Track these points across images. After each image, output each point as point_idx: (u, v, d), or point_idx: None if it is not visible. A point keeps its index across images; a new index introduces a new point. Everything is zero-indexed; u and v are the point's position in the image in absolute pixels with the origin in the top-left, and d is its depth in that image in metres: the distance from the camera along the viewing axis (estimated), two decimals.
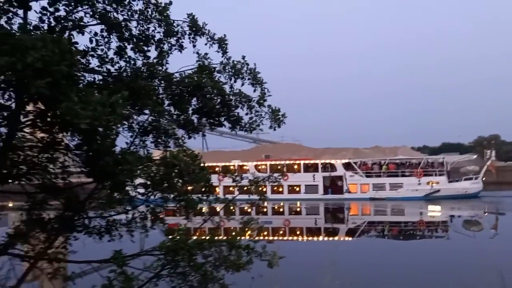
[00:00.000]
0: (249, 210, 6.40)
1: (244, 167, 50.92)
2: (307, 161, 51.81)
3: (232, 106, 6.00)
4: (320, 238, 25.90)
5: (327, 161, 52.16)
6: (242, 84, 5.94)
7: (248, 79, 5.95)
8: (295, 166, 48.57)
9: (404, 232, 27.02)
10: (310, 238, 25.95)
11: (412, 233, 26.55)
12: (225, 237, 5.38)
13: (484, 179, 45.31)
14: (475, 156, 53.31)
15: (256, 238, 5.38)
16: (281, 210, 39.94)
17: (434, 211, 37.50)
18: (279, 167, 49.39)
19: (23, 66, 3.09)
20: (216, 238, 5.21)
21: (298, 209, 42.57)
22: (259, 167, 50.35)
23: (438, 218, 34.67)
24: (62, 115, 3.31)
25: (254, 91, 5.96)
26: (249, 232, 5.53)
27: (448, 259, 17.83)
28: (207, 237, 5.17)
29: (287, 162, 51.05)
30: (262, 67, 6.06)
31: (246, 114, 6.04)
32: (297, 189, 48.34)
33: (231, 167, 45.22)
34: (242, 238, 5.53)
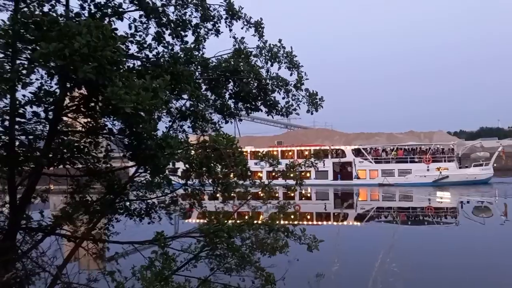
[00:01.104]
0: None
1: (258, 154, 51.39)
2: (317, 147, 51.95)
3: (269, 90, 5.98)
4: (330, 222, 25.85)
5: (337, 147, 52.31)
6: (279, 68, 5.90)
7: (285, 62, 5.91)
8: (306, 153, 48.65)
9: (414, 218, 26.81)
10: (319, 222, 26.00)
11: (422, 219, 26.37)
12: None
13: (495, 165, 44.72)
14: None
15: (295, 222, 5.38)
16: (292, 195, 40.10)
17: (443, 197, 37.34)
18: (290, 153, 49.60)
19: (71, 52, 3.18)
20: (255, 221, 5.26)
21: (309, 195, 42.63)
22: (271, 153, 50.44)
23: (447, 204, 34.41)
24: (107, 100, 3.39)
25: (291, 74, 5.93)
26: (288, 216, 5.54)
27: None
28: (246, 220, 5.23)
29: (298, 148, 51.22)
30: (296, 50, 6.01)
31: (283, 98, 6.02)
32: (308, 174, 47.96)
33: (245, 153, 45.66)
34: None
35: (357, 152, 49.27)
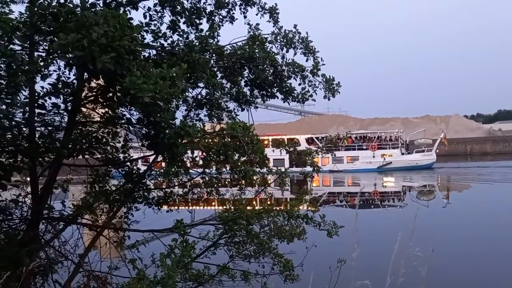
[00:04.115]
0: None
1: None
2: (275, 137, 53.02)
3: (285, 76, 5.94)
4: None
5: (292, 136, 53.43)
6: (295, 54, 5.85)
7: (300, 48, 5.84)
8: (265, 142, 49.79)
9: (364, 202, 27.73)
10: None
11: (371, 202, 27.30)
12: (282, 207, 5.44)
13: (437, 151, 47.55)
14: None
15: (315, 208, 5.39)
16: (253, 182, 41.32)
17: (387, 182, 39.62)
18: None
19: (89, 42, 3.19)
20: (274, 208, 5.28)
21: (269, 181, 43.92)
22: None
23: (393, 189, 36.32)
24: (125, 90, 3.40)
25: (307, 60, 5.87)
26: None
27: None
28: (265, 207, 5.25)
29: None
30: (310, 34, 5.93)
31: (299, 84, 5.97)
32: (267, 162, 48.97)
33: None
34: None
35: (311, 141, 50.48)
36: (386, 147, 48.34)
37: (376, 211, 23.22)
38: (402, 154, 47.93)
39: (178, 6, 5.44)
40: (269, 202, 5.92)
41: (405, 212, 22.23)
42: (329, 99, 5.84)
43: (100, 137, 5.58)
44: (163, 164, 5.52)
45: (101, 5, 4.87)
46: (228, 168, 5.51)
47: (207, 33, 5.67)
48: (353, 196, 31.12)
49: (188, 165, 5.97)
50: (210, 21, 5.84)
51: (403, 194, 31.30)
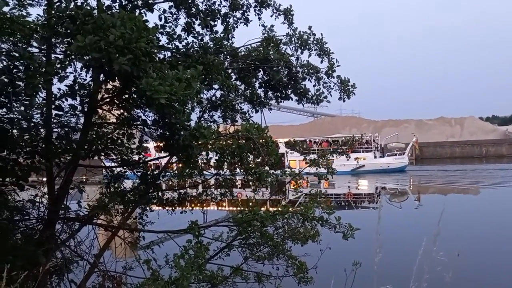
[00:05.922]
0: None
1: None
2: None
3: (299, 78, 5.93)
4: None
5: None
6: (309, 55, 5.83)
7: (315, 49, 5.82)
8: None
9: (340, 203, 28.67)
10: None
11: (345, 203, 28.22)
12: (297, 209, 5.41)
13: (410, 154, 48.85)
14: None
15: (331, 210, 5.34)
16: (236, 184, 41.86)
17: (361, 185, 40.50)
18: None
19: (106, 44, 3.22)
20: (289, 210, 5.25)
21: (250, 183, 44.63)
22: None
23: (367, 191, 36.88)
24: (141, 91, 3.41)
25: (321, 62, 5.85)
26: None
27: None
28: (280, 209, 5.22)
29: None
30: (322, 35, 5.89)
31: (314, 86, 5.95)
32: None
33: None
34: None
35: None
36: (360, 150, 49.10)
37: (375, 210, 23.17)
38: (375, 157, 48.93)
39: (193, 8, 5.46)
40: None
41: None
42: (344, 101, 5.81)
43: (115, 138, 5.63)
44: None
45: (117, 7, 4.91)
46: (242, 170, 5.51)
47: (222, 35, 5.69)
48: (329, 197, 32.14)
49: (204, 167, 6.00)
50: (225, 23, 5.86)
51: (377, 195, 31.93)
